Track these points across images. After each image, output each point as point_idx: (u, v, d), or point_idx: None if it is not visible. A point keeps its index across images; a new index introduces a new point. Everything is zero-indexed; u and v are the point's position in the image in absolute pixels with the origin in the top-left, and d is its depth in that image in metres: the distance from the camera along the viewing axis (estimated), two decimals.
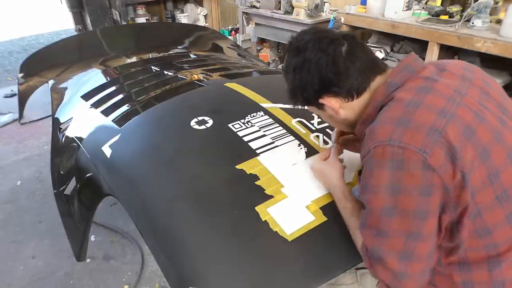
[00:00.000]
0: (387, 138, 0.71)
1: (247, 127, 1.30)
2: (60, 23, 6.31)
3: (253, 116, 1.37)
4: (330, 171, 1.02)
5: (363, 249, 0.84)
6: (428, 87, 0.76)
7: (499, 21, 2.55)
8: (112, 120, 1.50)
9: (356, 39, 0.85)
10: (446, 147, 0.68)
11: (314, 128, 1.33)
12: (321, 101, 0.86)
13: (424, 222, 0.71)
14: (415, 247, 0.73)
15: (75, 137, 1.55)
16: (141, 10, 4.22)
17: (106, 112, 1.59)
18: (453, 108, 0.72)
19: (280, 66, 4.05)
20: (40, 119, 3.37)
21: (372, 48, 3.26)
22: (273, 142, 1.24)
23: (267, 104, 1.44)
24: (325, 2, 3.47)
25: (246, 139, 1.25)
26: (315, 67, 0.82)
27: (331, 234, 0.97)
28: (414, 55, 0.85)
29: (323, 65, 0.81)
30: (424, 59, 2.87)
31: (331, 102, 0.86)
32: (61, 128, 1.70)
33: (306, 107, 0.94)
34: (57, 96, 2.00)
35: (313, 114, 1.41)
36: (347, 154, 1.21)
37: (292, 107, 0.95)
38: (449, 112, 0.71)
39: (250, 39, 4.27)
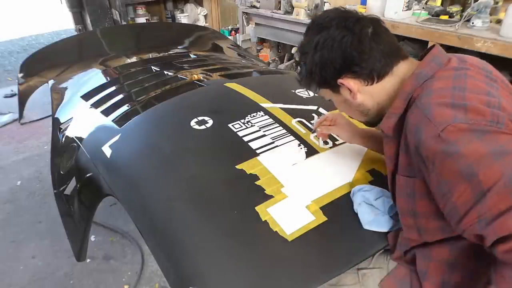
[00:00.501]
0: (451, 119, 0.64)
1: (247, 127, 1.30)
2: (60, 23, 6.31)
3: (253, 116, 1.37)
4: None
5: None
6: (462, 74, 0.74)
7: (499, 21, 2.55)
8: (112, 120, 1.50)
9: (382, 22, 0.83)
10: (510, 120, 0.65)
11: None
12: (340, 81, 0.83)
13: None
14: None
15: (75, 137, 1.55)
16: (141, 10, 4.22)
17: (106, 112, 1.59)
18: (495, 91, 0.71)
19: (280, 66, 4.05)
20: (40, 119, 3.37)
21: None
22: (273, 142, 1.24)
23: (267, 104, 1.45)
24: (325, 2, 3.47)
25: (246, 139, 1.25)
26: (339, 45, 0.79)
27: (331, 234, 0.97)
28: (439, 47, 0.82)
29: (347, 43, 0.79)
30: None
31: (350, 83, 0.83)
32: (61, 128, 1.70)
33: (319, 91, 0.90)
34: (57, 96, 2.00)
35: (313, 114, 1.41)
36: (346, 153, 1.21)
37: (304, 95, 0.92)
38: (495, 94, 0.70)
39: (250, 39, 4.27)
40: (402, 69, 0.82)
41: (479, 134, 0.62)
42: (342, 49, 0.79)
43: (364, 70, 0.80)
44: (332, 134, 1.22)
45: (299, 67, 0.89)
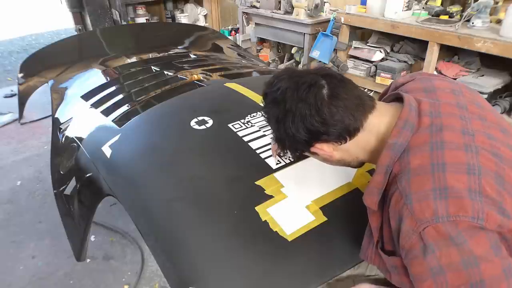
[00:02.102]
0: (432, 215, 0.65)
1: (247, 127, 1.30)
2: (60, 23, 6.31)
3: (253, 116, 1.37)
4: None
5: None
6: (438, 142, 0.71)
7: (499, 21, 2.55)
8: (112, 120, 1.50)
9: (335, 76, 0.79)
10: (494, 205, 0.65)
11: None
12: (312, 149, 0.82)
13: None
14: None
15: (75, 137, 1.55)
16: (141, 10, 4.22)
17: (106, 112, 1.59)
18: (475, 159, 0.69)
19: (280, 66, 4.05)
20: (40, 119, 3.37)
21: (372, 48, 3.26)
22: None
23: None
24: (325, 2, 3.47)
25: (246, 139, 1.25)
26: (298, 119, 0.76)
27: (331, 234, 0.97)
28: (407, 103, 0.77)
29: (306, 115, 0.75)
30: (424, 59, 2.87)
31: (323, 149, 0.81)
32: (61, 128, 1.70)
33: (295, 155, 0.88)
34: (57, 96, 2.00)
35: None
36: None
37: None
38: (475, 166, 0.68)
39: (250, 39, 4.27)
40: (373, 123, 0.79)
41: (457, 241, 0.64)
42: (303, 123, 0.76)
43: (332, 136, 0.78)
44: None
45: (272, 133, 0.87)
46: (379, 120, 0.80)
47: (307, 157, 1.17)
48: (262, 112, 0.85)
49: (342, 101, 0.76)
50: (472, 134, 0.73)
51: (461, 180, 0.66)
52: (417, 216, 0.66)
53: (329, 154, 0.82)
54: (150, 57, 2.38)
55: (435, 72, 2.83)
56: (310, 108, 0.75)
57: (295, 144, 0.81)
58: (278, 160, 1.16)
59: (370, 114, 0.79)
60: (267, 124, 0.86)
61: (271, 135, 0.88)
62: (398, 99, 0.83)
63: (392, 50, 3.25)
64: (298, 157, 0.95)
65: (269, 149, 1.20)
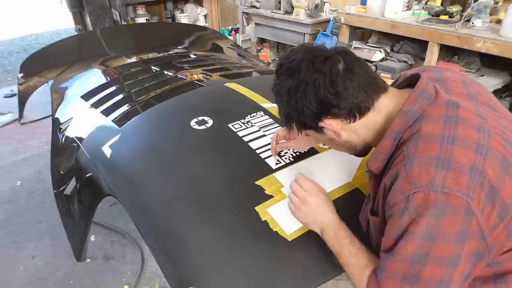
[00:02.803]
0: (429, 182, 0.66)
1: (247, 127, 1.30)
2: (60, 23, 6.31)
3: (253, 116, 1.37)
4: (322, 204, 0.91)
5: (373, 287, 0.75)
6: (453, 117, 0.71)
7: (499, 21, 2.55)
8: (112, 120, 1.50)
9: (352, 54, 0.79)
10: (487, 187, 0.66)
11: None
12: (320, 124, 0.80)
13: (456, 268, 0.67)
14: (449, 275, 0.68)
15: (75, 137, 1.55)
16: (141, 10, 4.22)
17: (106, 112, 1.59)
18: (486, 140, 0.69)
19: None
20: (40, 119, 3.37)
21: (372, 48, 3.26)
22: None
23: (267, 104, 1.44)
24: (325, 2, 3.47)
25: (246, 139, 1.25)
26: (311, 89, 0.75)
27: None
28: (425, 78, 0.78)
29: (320, 86, 0.75)
30: (424, 59, 2.87)
31: (331, 125, 0.79)
32: (61, 128, 1.70)
33: (302, 132, 0.87)
34: (57, 96, 2.00)
35: None
36: (345, 154, 1.21)
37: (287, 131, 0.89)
38: (485, 146, 0.68)
39: (250, 39, 4.27)
40: (384, 103, 0.79)
41: (436, 212, 0.65)
42: (316, 93, 0.75)
43: (343, 110, 0.77)
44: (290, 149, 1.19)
45: (279, 110, 0.86)
46: (390, 101, 0.79)
47: (306, 156, 1.17)
48: (273, 87, 0.84)
49: (356, 76, 0.76)
50: (486, 118, 0.73)
51: (468, 156, 0.67)
52: (413, 180, 0.67)
53: (336, 132, 0.81)
54: (150, 57, 2.38)
55: None
56: (325, 79, 0.74)
57: (304, 117, 0.80)
58: (278, 160, 1.16)
59: (382, 94, 0.79)
60: (276, 100, 0.84)
61: (279, 116, 0.86)
62: (409, 86, 0.82)
63: (392, 50, 3.25)
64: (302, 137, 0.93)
65: (269, 149, 1.20)
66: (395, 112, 0.77)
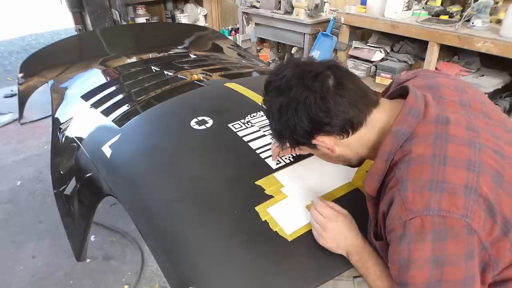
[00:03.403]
0: (424, 207, 0.65)
1: (247, 127, 1.30)
2: (60, 23, 6.31)
3: (253, 116, 1.37)
4: (343, 228, 0.89)
5: None
6: (443, 134, 0.71)
7: (499, 21, 2.55)
8: (112, 120, 1.50)
9: (342, 68, 0.78)
10: (484, 204, 0.65)
11: None
12: (313, 141, 0.80)
13: (474, 286, 0.67)
14: None
15: (75, 137, 1.55)
16: (141, 10, 4.22)
17: (106, 112, 1.59)
18: (477, 156, 0.69)
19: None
20: (40, 119, 3.37)
21: (372, 48, 3.26)
22: None
23: None
24: (325, 2, 3.47)
25: (246, 139, 1.25)
26: (302, 107, 0.74)
27: None
28: (413, 92, 0.77)
29: (311, 104, 0.74)
30: (424, 59, 2.87)
31: (324, 142, 0.79)
32: (61, 128, 1.70)
33: (296, 148, 0.86)
34: (57, 96, 2.00)
35: None
36: None
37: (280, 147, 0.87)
38: (476, 162, 0.68)
39: (250, 39, 4.27)
40: (376, 118, 0.78)
41: (436, 236, 0.65)
42: (307, 112, 0.74)
43: (336, 127, 0.76)
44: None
45: (270, 126, 0.85)
46: (382, 115, 0.79)
47: (306, 156, 1.17)
48: (263, 102, 0.83)
49: (347, 92, 0.75)
50: (477, 131, 0.73)
51: (460, 175, 0.66)
52: (408, 205, 0.67)
53: (330, 148, 0.80)
54: (150, 57, 2.38)
55: None
56: (316, 97, 0.74)
57: (296, 135, 0.79)
58: (278, 160, 1.16)
59: (374, 109, 0.78)
60: (267, 116, 0.83)
61: (271, 131, 0.86)
62: (401, 95, 0.82)
63: (392, 50, 3.25)
64: (296, 150, 0.90)
65: (269, 149, 1.20)
66: (387, 126, 0.77)
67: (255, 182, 1.07)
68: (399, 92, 0.84)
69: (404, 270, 0.68)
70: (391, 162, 0.75)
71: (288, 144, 0.84)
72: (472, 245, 0.65)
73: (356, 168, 1.13)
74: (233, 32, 4.69)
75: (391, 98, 0.86)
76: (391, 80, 0.96)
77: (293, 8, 3.49)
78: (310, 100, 0.74)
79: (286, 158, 1.17)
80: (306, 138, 0.79)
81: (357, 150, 0.82)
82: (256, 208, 1.00)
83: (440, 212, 0.64)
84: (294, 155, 1.18)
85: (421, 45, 2.96)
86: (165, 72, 1.94)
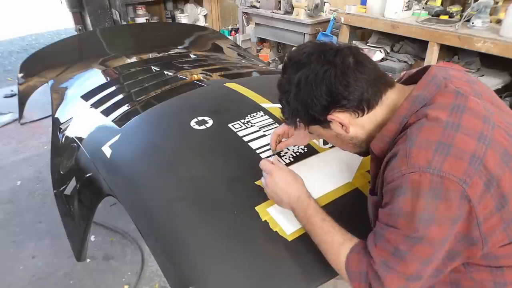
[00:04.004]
0: (426, 164, 0.66)
1: (247, 127, 1.30)
2: (60, 23, 6.31)
3: (253, 116, 1.37)
4: (298, 179, 0.93)
5: (353, 264, 0.78)
6: (461, 105, 0.72)
7: (499, 21, 2.55)
8: (112, 120, 1.50)
9: (360, 50, 0.79)
10: (485, 176, 0.66)
11: None
12: (329, 117, 0.79)
13: (444, 248, 0.70)
14: (426, 271, 0.71)
15: (75, 137, 1.55)
16: (141, 10, 4.22)
17: (106, 112, 1.59)
18: (490, 131, 0.69)
19: (280, 66, 4.04)
20: (40, 119, 3.37)
21: (372, 48, 3.26)
22: None
23: (267, 104, 1.45)
24: (325, 2, 3.47)
25: (246, 139, 1.25)
26: (322, 80, 0.75)
27: None
28: (434, 67, 0.79)
29: (331, 76, 0.74)
30: (424, 59, 2.87)
31: (340, 118, 0.79)
32: (61, 128, 1.70)
33: (308, 128, 0.86)
34: (57, 96, 2.00)
35: None
36: (346, 153, 1.21)
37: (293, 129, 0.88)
38: (488, 137, 0.68)
39: (250, 39, 4.27)
40: (391, 98, 0.79)
41: (431, 194, 0.66)
42: (327, 84, 0.75)
43: (353, 102, 0.76)
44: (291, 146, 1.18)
45: (281, 106, 0.85)
46: (397, 96, 0.80)
47: (306, 155, 1.17)
48: (280, 82, 0.83)
49: (366, 70, 0.76)
50: (492, 112, 0.74)
51: (469, 144, 0.67)
52: (411, 160, 0.68)
53: (345, 125, 0.80)
54: (150, 57, 2.38)
55: None
56: (336, 70, 0.75)
57: (313, 110, 0.79)
58: (278, 161, 1.16)
59: (390, 89, 0.80)
60: (283, 93, 0.83)
61: (283, 111, 0.86)
62: (415, 82, 0.82)
63: (392, 50, 3.25)
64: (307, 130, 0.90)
65: (269, 149, 1.20)
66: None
67: (255, 182, 1.07)
68: (413, 79, 0.85)
69: (394, 216, 0.71)
70: (405, 124, 0.76)
71: (300, 124, 0.84)
72: (462, 210, 0.67)
73: (356, 168, 1.13)
74: (233, 32, 4.69)
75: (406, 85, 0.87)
76: (402, 75, 0.97)
77: (293, 8, 3.49)
78: (331, 73, 0.75)
79: (286, 158, 1.17)
80: (323, 113, 0.79)
81: (371, 131, 0.82)
82: (256, 208, 1.00)
83: (439, 172, 0.65)
84: (294, 155, 1.19)
85: (421, 45, 2.96)
86: (165, 72, 1.94)
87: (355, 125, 0.81)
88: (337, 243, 0.81)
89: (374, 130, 0.82)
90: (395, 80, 0.88)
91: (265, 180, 0.95)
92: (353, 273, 0.78)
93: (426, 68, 0.81)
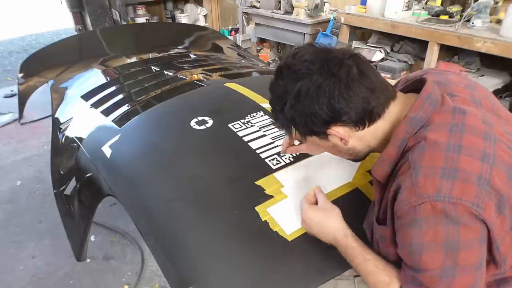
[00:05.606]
0: (435, 193, 0.64)
1: (247, 127, 1.30)
2: (60, 23, 6.31)
3: (253, 116, 1.37)
4: (330, 218, 0.89)
5: None
6: (459, 124, 0.70)
7: (499, 21, 2.55)
8: (112, 120, 1.50)
9: (363, 58, 0.75)
10: (495, 197, 0.65)
11: None
12: (329, 131, 0.76)
13: (484, 270, 0.68)
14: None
15: (75, 137, 1.55)
16: (141, 10, 4.22)
17: (106, 112, 1.59)
18: (492, 149, 0.68)
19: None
20: (40, 119, 3.37)
21: (372, 48, 3.26)
22: (273, 142, 1.24)
23: (267, 104, 1.44)
24: (325, 2, 3.47)
25: (246, 139, 1.25)
26: (324, 94, 0.71)
27: None
28: (430, 81, 0.77)
29: (335, 91, 0.70)
30: (424, 59, 2.87)
31: (339, 132, 0.76)
32: (61, 128, 1.70)
33: (304, 139, 0.83)
34: (57, 96, 2.00)
35: None
36: None
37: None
38: (491, 155, 0.67)
39: (250, 39, 4.27)
40: (393, 112, 0.77)
41: (450, 221, 0.64)
42: (329, 99, 0.71)
43: (354, 118, 0.74)
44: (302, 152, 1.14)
45: (273, 111, 0.82)
46: (398, 108, 0.77)
47: (306, 156, 1.17)
48: (273, 86, 0.79)
49: (370, 82, 0.73)
50: (492, 125, 0.72)
51: (474, 165, 0.66)
52: (419, 190, 0.66)
53: (344, 138, 0.78)
54: (150, 57, 2.38)
55: None
56: (340, 84, 0.71)
57: (311, 124, 0.75)
58: (278, 160, 1.16)
59: (392, 102, 0.77)
60: (278, 100, 0.78)
61: (276, 118, 0.81)
62: (414, 90, 0.81)
63: (392, 50, 3.25)
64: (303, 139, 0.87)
65: (269, 149, 1.20)
66: (401, 118, 0.76)
67: (255, 182, 1.07)
68: (413, 86, 0.83)
69: (417, 254, 0.67)
70: (404, 148, 0.74)
71: (296, 133, 0.82)
72: (483, 233, 0.65)
73: (356, 168, 1.13)
74: (233, 32, 4.69)
75: (404, 92, 0.85)
76: (398, 80, 0.95)
77: (293, 8, 3.49)
78: (335, 88, 0.71)
79: (286, 158, 1.17)
80: (322, 126, 0.76)
81: (369, 142, 0.80)
82: (256, 208, 1.00)
83: (451, 199, 0.64)
84: (295, 155, 1.18)
85: (421, 45, 2.96)
86: (165, 72, 1.94)
87: (354, 137, 0.79)
88: (384, 284, 0.78)
89: (372, 141, 0.81)
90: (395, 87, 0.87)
91: (301, 218, 0.93)
92: None
93: (423, 80, 0.79)
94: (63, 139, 1.63)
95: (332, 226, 0.88)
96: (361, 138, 0.79)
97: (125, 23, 4.01)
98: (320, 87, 0.71)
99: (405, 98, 0.79)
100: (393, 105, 0.77)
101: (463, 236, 0.64)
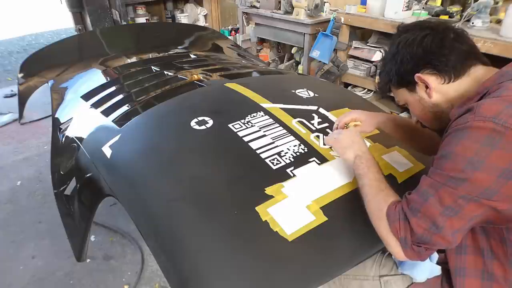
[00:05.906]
0: (494, 115, 0.68)
1: (247, 127, 1.30)
2: (60, 23, 6.31)
3: (253, 116, 1.37)
4: (348, 136, 1.05)
5: (392, 206, 0.81)
6: None
7: (499, 21, 2.55)
8: (112, 121, 1.50)
9: (464, 32, 0.87)
10: None
11: (314, 128, 1.33)
12: (418, 75, 0.85)
13: (491, 201, 0.71)
14: (465, 207, 0.72)
15: (75, 137, 1.55)
16: (141, 10, 4.22)
17: (106, 112, 1.59)
18: None
19: (280, 66, 4.04)
20: (40, 119, 3.37)
21: (372, 48, 3.26)
22: (273, 142, 1.24)
23: (267, 104, 1.45)
24: (325, 2, 3.47)
25: (246, 139, 1.25)
26: (420, 41, 0.83)
27: (332, 234, 0.97)
28: None
29: (429, 39, 0.83)
30: None
31: (427, 79, 0.85)
32: (61, 128, 1.70)
33: (395, 92, 0.94)
34: (57, 96, 2.00)
35: (313, 114, 1.41)
36: None
37: (379, 92, 0.97)
38: None
39: (250, 39, 4.27)
40: (479, 72, 0.83)
41: (488, 142, 0.67)
42: (423, 45, 0.83)
43: (443, 66, 0.82)
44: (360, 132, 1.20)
45: (380, 73, 0.95)
46: (485, 72, 0.83)
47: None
48: (387, 48, 0.93)
49: (464, 43, 0.84)
50: None
51: None
52: (480, 110, 0.70)
53: (430, 89, 0.85)
54: (150, 57, 2.38)
55: None
56: (435, 35, 0.84)
57: (405, 68, 0.86)
58: (278, 160, 1.16)
59: (481, 64, 0.84)
60: (382, 66, 0.94)
61: (380, 73, 0.96)
62: None
63: None
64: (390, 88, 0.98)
65: (269, 149, 1.20)
66: (484, 79, 0.81)
67: (255, 183, 1.07)
68: None
69: (443, 158, 0.74)
70: (485, 94, 0.77)
71: (394, 82, 0.91)
72: None
73: None
74: (233, 32, 4.68)
75: None
76: None
77: (293, 8, 3.49)
78: (430, 37, 0.83)
79: (286, 158, 1.17)
80: (412, 71, 0.85)
81: (453, 100, 0.85)
82: (257, 208, 1.00)
83: (505, 123, 0.67)
84: (294, 155, 1.19)
85: None
86: (165, 72, 1.94)
87: (439, 91, 0.86)
88: (383, 189, 0.87)
89: (455, 101, 0.85)
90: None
91: (334, 134, 1.11)
92: (393, 213, 0.80)
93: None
94: (63, 139, 1.63)
95: (361, 141, 1.03)
96: (446, 94, 0.86)
97: (125, 23, 4.01)
98: (417, 36, 0.85)
99: (490, 67, 0.85)
100: (481, 68, 0.84)
101: (490, 160, 0.67)
